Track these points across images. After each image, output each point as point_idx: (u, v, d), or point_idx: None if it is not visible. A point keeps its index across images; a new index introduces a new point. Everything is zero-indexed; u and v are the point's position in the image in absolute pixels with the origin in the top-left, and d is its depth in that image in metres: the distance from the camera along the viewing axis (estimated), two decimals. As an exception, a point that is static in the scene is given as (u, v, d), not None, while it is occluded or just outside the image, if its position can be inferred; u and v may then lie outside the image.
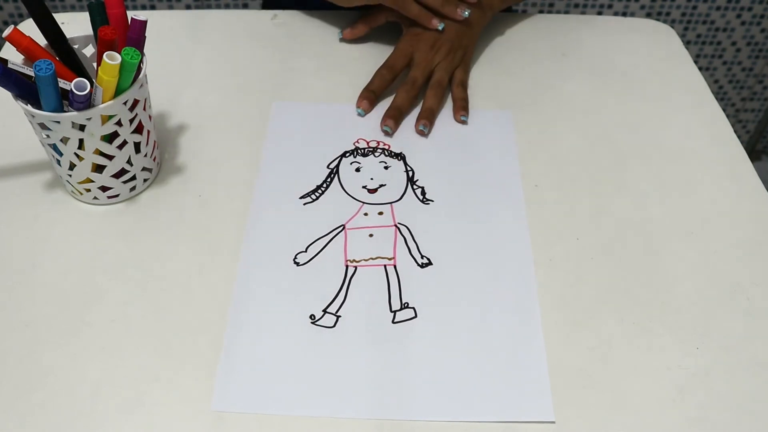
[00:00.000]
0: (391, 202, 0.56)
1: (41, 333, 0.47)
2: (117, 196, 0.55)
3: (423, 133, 0.62)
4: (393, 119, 0.62)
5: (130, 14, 0.52)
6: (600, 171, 0.59)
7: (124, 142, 0.53)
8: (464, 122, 0.63)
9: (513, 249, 0.53)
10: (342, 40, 0.71)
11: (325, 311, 0.49)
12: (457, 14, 0.66)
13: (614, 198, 0.57)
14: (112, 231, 0.54)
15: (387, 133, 0.62)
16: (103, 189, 0.54)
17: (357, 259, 0.52)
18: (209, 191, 0.57)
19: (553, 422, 0.43)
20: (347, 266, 0.52)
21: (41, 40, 0.52)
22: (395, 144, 0.61)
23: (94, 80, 0.50)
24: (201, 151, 0.60)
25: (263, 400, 0.44)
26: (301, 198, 0.56)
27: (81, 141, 0.51)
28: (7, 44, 0.51)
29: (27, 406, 0.43)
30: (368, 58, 0.69)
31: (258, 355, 0.46)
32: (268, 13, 0.75)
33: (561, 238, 0.54)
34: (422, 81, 0.65)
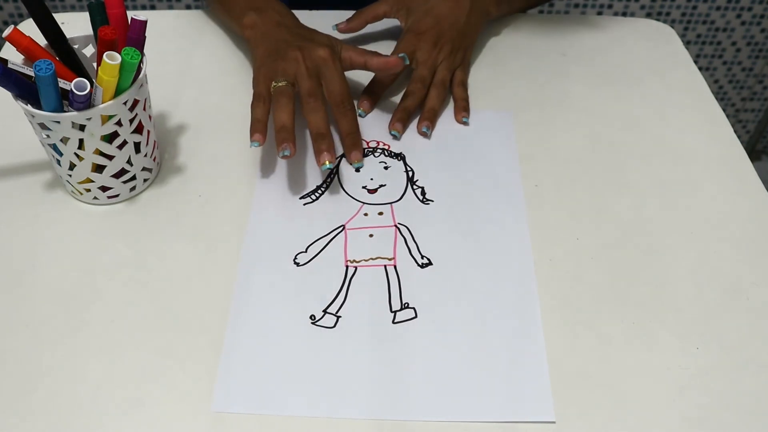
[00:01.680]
0: (391, 203, 0.56)
1: (41, 333, 0.47)
2: (117, 196, 0.55)
3: (425, 135, 0.62)
4: (402, 123, 0.62)
5: (130, 14, 0.52)
6: (600, 171, 0.59)
7: (124, 142, 0.53)
8: (466, 123, 0.63)
9: (513, 249, 0.53)
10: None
11: (325, 311, 0.49)
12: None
13: (614, 198, 0.57)
14: (112, 231, 0.54)
15: (395, 137, 0.62)
16: (103, 189, 0.55)
17: (357, 260, 0.52)
18: (209, 191, 0.57)
19: (554, 422, 0.43)
20: (347, 266, 0.52)
21: (41, 40, 0.52)
22: (395, 144, 0.61)
23: (94, 80, 0.50)
24: (201, 151, 0.60)
25: (263, 400, 0.44)
26: (301, 198, 0.56)
27: (81, 141, 0.51)
28: (7, 44, 0.51)
29: (27, 406, 0.43)
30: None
31: (258, 355, 0.46)
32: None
33: (561, 238, 0.54)
34: (430, 80, 0.65)
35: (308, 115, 0.57)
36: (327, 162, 0.54)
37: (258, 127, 0.55)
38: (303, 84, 0.57)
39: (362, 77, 0.67)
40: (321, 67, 0.57)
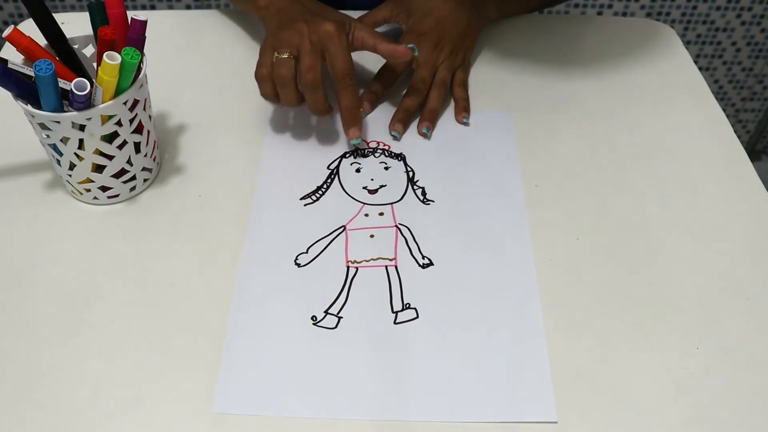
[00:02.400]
0: (391, 203, 0.56)
1: (41, 333, 0.47)
2: (117, 196, 0.55)
3: (425, 136, 0.62)
4: (402, 123, 0.62)
5: (130, 14, 0.52)
6: (600, 171, 0.59)
7: (124, 142, 0.53)
8: (466, 124, 0.63)
9: (513, 249, 0.53)
10: None
11: (326, 312, 0.49)
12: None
13: (614, 198, 0.57)
14: (112, 231, 0.54)
15: (395, 138, 0.62)
16: (103, 189, 0.54)
17: (358, 260, 0.52)
18: (209, 191, 0.57)
19: (556, 422, 0.43)
20: (348, 267, 0.51)
21: (41, 40, 0.52)
22: (395, 144, 0.61)
23: (94, 80, 0.50)
24: (201, 151, 0.60)
25: (265, 401, 0.44)
26: (301, 199, 0.56)
27: (81, 141, 0.51)
28: (7, 44, 0.51)
29: (27, 406, 0.43)
30: (369, 59, 0.69)
31: (259, 356, 0.46)
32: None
33: (561, 238, 0.54)
34: (431, 80, 0.65)
35: (305, 91, 0.57)
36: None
37: (272, 100, 0.59)
38: (303, 58, 0.56)
39: (364, 78, 0.67)
40: (326, 42, 0.56)
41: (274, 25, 0.60)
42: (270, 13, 0.62)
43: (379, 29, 0.71)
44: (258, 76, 0.57)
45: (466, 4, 0.68)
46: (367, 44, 0.60)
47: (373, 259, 0.52)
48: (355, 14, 0.73)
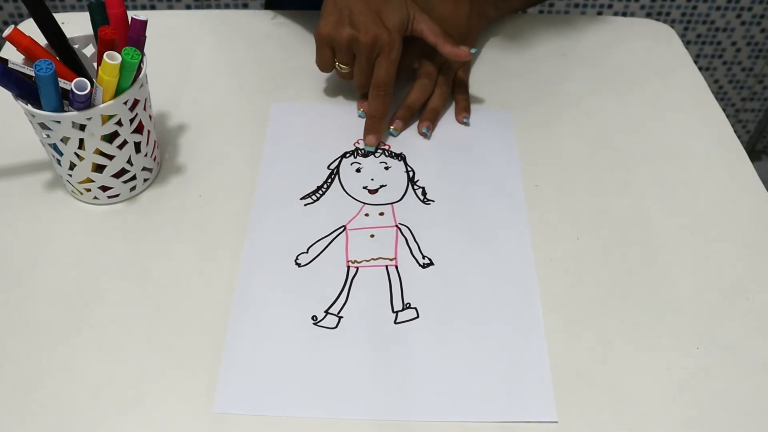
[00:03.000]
0: (391, 203, 0.56)
1: (41, 333, 0.47)
2: (117, 195, 0.55)
3: (425, 136, 0.62)
4: (403, 121, 0.62)
5: (131, 14, 0.52)
6: (600, 171, 0.59)
7: (125, 142, 0.53)
8: (466, 123, 0.63)
9: (514, 249, 0.53)
10: None
11: (326, 312, 0.49)
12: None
13: (614, 198, 0.57)
14: (112, 231, 0.54)
15: (393, 135, 0.62)
16: (104, 189, 0.54)
17: (358, 260, 0.52)
18: (209, 191, 0.57)
19: (556, 422, 0.43)
20: (349, 267, 0.52)
21: (41, 40, 0.52)
22: (395, 144, 0.61)
23: (94, 80, 0.50)
24: (201, 151, 0.60)
25: (265, 401, 0.44)
26: (301, 199, 0.56)
27: (81, 141, 0.51)
28: (7, 44, 0.51)
29: (27, 406, 0.43)
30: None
31: (259, 356, 0.46)
32: (268, 14, 0.75)
33: (561, 238, 0.54)
34: (436, 76, 0.65)
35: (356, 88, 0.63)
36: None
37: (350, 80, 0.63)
38: (358, 75, 0.61)
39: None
40: (379, 51, 0.59)
41: (330, 4, 0.60)
42: None
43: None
44: (320, 68, 0.63)
45: (465, 4, 0.68)
46: (428, 39, 0.62)
47: (373, 259, 0.52)
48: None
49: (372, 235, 0.54)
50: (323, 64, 0.62)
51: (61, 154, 0.52)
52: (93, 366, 0.45)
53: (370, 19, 0.58)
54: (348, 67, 0.61)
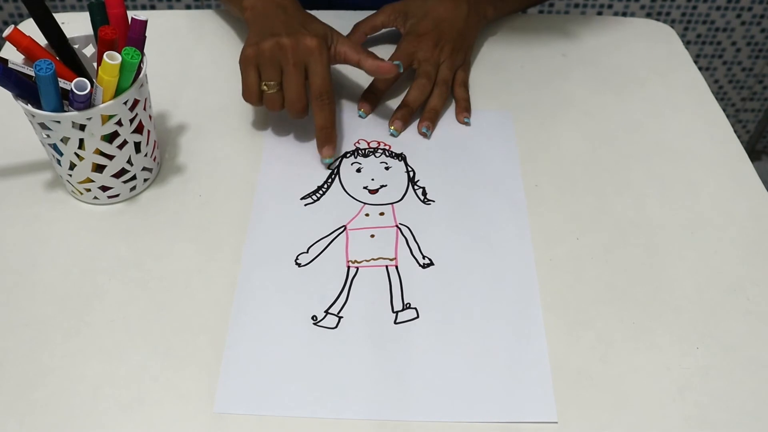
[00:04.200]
0: (392, 203, 0.56)
1: (41, 333, 0.47)
2: (117, 195, 0.55)
3: (425, 135, 0.62)
4: (402, 121, 0.62)
5: (131, 14, 0.52)
6: (600, 171, 0.59)
7: (125, 142, 0.53)
8: (467, 123, 0.63)
9: (514, 249, 0.53)
10: None
11: (326, 312, 0.49)
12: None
13: (614, 198, 0.57)
14: (112, 231, 0.54)
15: (393, 135, 0.62)
16: (104, 189, 0.54)
17: (358, 260, 0.52)
18: (209, 191, 0.57)
19: (556, 422, 0.43)
20: (349, 267, 0.51)
21: (41, 40, 0.52)
22: (396, 144, 0.61)
23: (94, 80, 0.50)
24: (201, 151, 0.60)
25: (265, 401, 0.44)
26: (302, 199, 0.56)
27: (81, 141, 0.51)
28: (8, 44, 0.51)
29: (27, 406, 0.43)
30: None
31: (259, 356, 0.46)
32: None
33: (561, 238, 0.54)
34: (435, 77, 0.65)
35: (290, 114, 0.59)
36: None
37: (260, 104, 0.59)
38: (289, 86, 0.57)
39: (364, 78, 0.67)
40: (308, 58, 0.56)
41: (256, 29, 0.59)
42: (253, 14, 0.61)
43: (378, 32, 0.71)
44: (246, 99, 0.59)
45: (463, 4, 0.68)
46: (351, 60, 0.60)
47: (373, 259, 0.52)
48: (351, 15, 0.73)
49: (372, 235, 0.54)
50: (248, 89, 0.58)
51: (61, 154, 0.52)
52: (93, 366, 0.45)
53: (293, 29, 0.57)
54: (275, 83, 0.57)
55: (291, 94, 0.57)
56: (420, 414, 0.43)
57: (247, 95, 0.58)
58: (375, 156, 0.60)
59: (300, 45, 0.56)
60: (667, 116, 0.65)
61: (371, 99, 0.64)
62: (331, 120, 0.58)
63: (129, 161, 0.54)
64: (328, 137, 0.58)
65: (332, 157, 0.58)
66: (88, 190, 0.54)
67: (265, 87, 0.57)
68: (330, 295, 0.50)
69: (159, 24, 0.68)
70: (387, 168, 0.59)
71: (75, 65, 0.54)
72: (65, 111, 0.49)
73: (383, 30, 0.71)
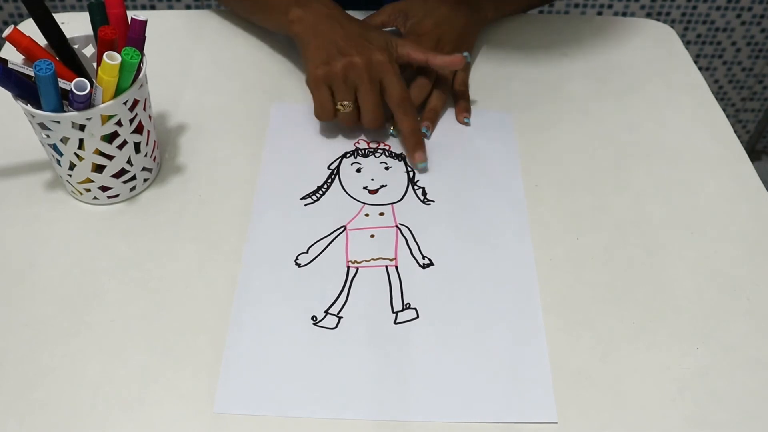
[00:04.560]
0: (392, 203, 0.56)
1: (41, 333, 0.47)
2: (117, 196, 0.55)
3: (425, 136, 0.62)
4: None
5: (130, 14, 0.52)
6: (600, 171, 0.59)
7: (124, 142, 0.53)
8: (467, 124, 0.63)
9: (514, 249, 0.53)
10: None
11: (326, 312, 0.49)
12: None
13: (614, 198, 0.57)
14: (112, 231, 0.54)
15: (393, 135, 0.62)
16: (103, 189, 0.54)
17: (358, 260, 0.52)
18: (209, 191, 0.57)
19: (556, 423, 0.43)
20: (348, 267, 0.51)
21: (41, 40, 0.52)
22: (396, 144, 0.61)
23: (94, 80, 0.50)
24: (201, 151, 0.60)
25: (265, 401, 0.44)
26: (302, 199, 0.56)
27: (81, 141, 0.51)
28: (7, 44, 0.51)
29: (27, 406, 0.43)
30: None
31: (259, 356, 0.46)
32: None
33: (561, 238, 0.54)
34: (435, 75, 0.64)
35: (368, 127, 0.60)
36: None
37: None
38: (366, 105, 0.58)
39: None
40: (381, 73, 0.57)
41: (314, 48, 0.58)
42: (304, 29, 0.60)
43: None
44: (320, 118, 0.60)
45: (463, 5, 0.68)
46: (417, 60, 0.61)
47: (373, 259, 0.52)
48: (351, 14, 0.73)
49: (372, 236, 0.54)
50: (323, 108, 0.58)
51: (61, 154, 0.52)
52: (93, 366, 0.45)
53: (358, 44, 0.57)
54: (350, 104, 0.58)
55: (369, 111, 0.58)
56: (420, 414, 0.43)
57: (322, 115, 0.59)
58: (375, 156, 0.60)
59: (372, 62, 0.57)
60: (667, 116, 0.65)
61: (431, 117, 0.63)
62: (417, 125, 0.59)
63: (129, 161, 0.54)
64: (418, 141, 0.59)
65: (426, 161, 0.59)
66: (88, 190, 0.54)
67: (340, 107, 0.58)
68: (330, 296, 0.50)
69: (159, 24, 0.68)
70: (387, 168, 0.59)
71: (75, 65, 0.54)
72: (65, 111, 0.49)
73: (384, 30, 0.71)
